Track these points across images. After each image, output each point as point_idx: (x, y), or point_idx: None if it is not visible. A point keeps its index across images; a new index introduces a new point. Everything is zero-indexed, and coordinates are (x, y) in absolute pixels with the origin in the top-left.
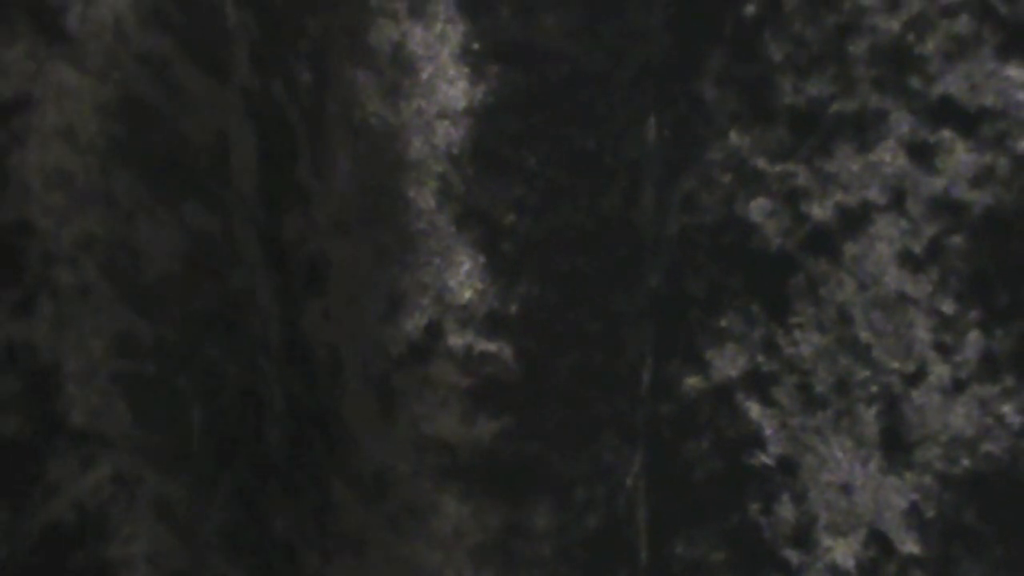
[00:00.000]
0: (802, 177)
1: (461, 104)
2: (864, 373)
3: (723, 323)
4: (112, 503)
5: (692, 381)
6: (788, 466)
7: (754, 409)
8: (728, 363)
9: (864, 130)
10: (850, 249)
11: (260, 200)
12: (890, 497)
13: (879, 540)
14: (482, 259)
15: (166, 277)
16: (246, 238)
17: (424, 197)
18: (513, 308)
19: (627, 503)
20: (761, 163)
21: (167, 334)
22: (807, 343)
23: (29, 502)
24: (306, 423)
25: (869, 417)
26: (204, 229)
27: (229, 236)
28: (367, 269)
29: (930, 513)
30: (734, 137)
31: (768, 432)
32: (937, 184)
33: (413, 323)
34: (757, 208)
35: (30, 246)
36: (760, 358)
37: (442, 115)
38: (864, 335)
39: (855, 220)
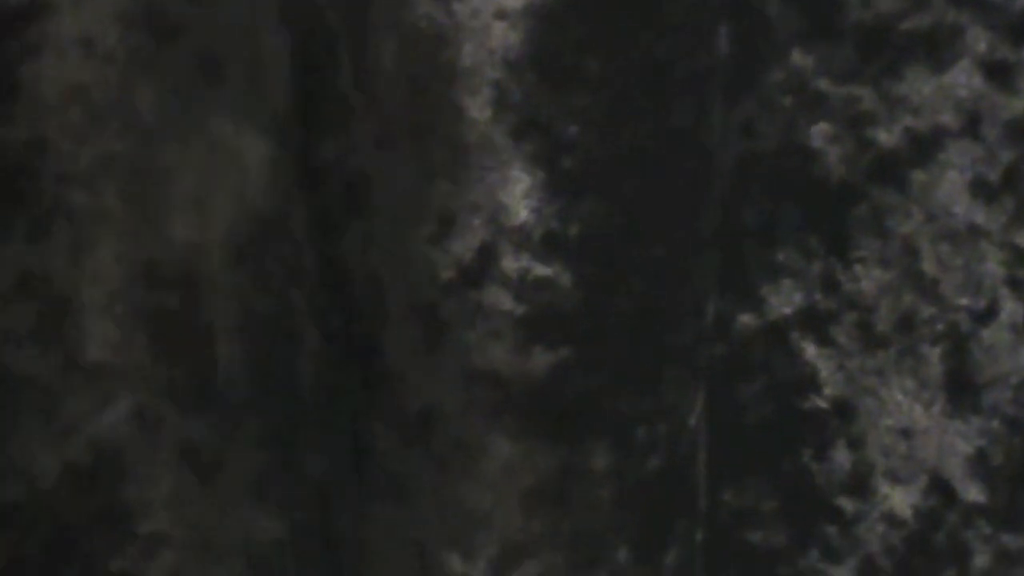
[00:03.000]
0: (868, 100)
1: (520, 3)
2: (930, 310)
3: (779, 257)
4: (131, 443)
5: (745, 319)
6: (844, 410)
7: (809, 349)
8: (784, 300)
9: (937, 49)
10: (918, 178)
11: (297, 116)
12: (954, 442)
13: (941, 488)
14: (541, 175)
15: (192, 201)
16: (280, 158)
17: (478, 107)
18: (573, 230)
19: (689, 445)
20: (824, 85)
21: (192, 263)
22: (869, 279)
23: (44, 442)
24: (343, 359)
25: (934, 357)
26: (236, 148)
27: (261, 156)
28: (414, 187)
29: (997, 459)
30: (797, 57)
31: (824, 374)
32: (1016, 107)
33: (464, 245)
34: (819, 133)
35: (44, 166)
36: (818, 295)
37: (499, 16)
38: (931, 270)
39: (925, 146)
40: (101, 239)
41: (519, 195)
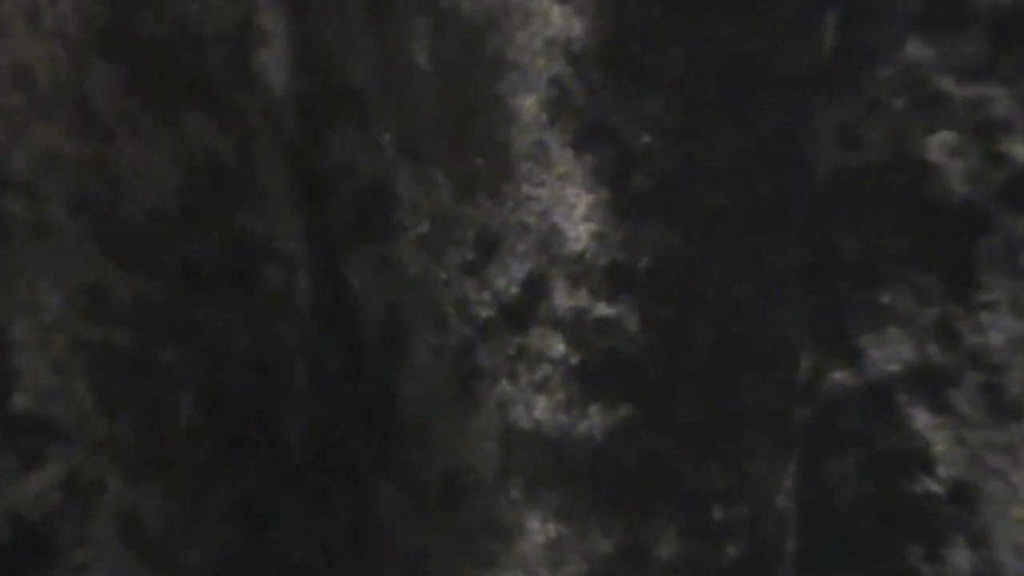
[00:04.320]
0: (1002, 104)
1: None
2: None
3: (884, 299)
4: (61, 517)
5: (838, 376)
6: (965, 496)
7: (921, 417)
8: (888, 353)
9: None
10: None
11: (294, 111)
12: None
13: None
14: (605, 194)
15: (155, 214)
16: (269, 162)
17: (530, 108)
18: (642, 261)
19: (775, 530)
20: (947, 84)
21: (151, 290)
22: (998, 329)
23: None
24: (346, 410)
25: None
26: (211, 149)
27: (245, 159)
28: (447, 203)
29: None
30: (913, 49)
31: (939, 449)
32: None
33: (508, 277)
34: (938, 144)
35: None
36: (932, 348)
37: None
38: None
39: None
40: (39, 259)
41: (578, 217)
